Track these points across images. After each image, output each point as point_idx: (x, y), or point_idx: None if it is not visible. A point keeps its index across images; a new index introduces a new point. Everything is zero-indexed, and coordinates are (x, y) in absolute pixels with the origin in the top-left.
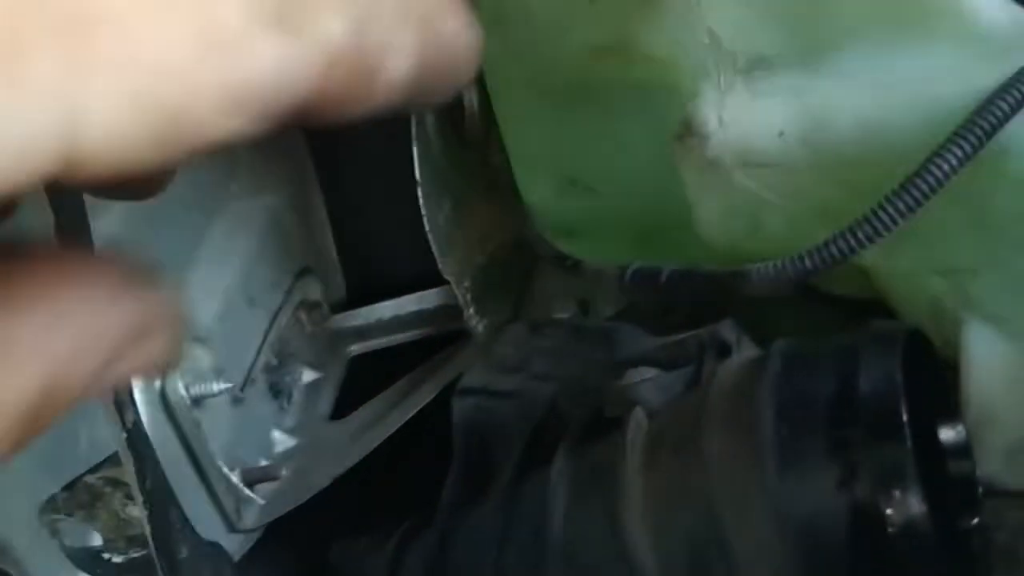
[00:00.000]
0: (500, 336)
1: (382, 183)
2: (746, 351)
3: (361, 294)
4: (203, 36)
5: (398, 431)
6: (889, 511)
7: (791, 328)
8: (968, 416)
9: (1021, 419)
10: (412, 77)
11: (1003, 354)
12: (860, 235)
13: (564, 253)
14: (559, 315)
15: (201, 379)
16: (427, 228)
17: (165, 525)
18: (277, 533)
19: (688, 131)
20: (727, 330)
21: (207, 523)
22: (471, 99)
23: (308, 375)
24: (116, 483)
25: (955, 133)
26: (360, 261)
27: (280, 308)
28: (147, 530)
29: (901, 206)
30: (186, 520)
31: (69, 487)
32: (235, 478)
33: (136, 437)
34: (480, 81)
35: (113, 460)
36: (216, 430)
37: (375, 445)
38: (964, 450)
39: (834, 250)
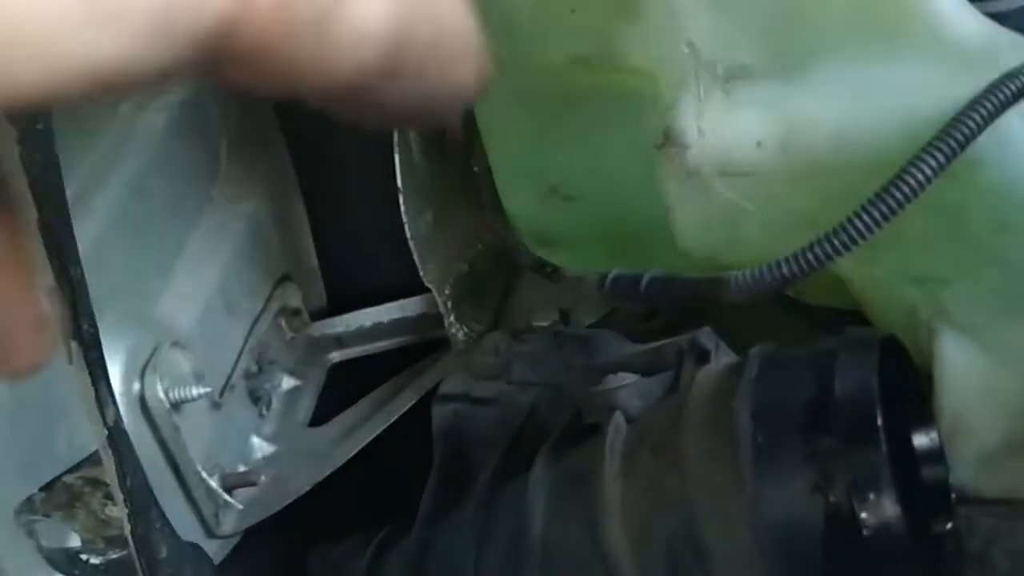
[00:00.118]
0: (480, 343)
1: (363, 191)
2: (724, 358)
3: (341, 302)
4: None
5: (377, 438)
6: (864, 514)
7: (768, 338)
8: (942, 424)
9: (994, 427)
10: (392, 42)
11: (976, 363)
12: (836, 243)
13: (544, 261)
14: (539, 323)
15: (180, 383)
16: (408, 236)
17: (145, 525)
18: (256, 539)
19: (667, 140)
20: (705, 337)
21: (186, 528)
22: None
23: (287, 382)
24: (96, 483)
25: (929, 144)
26: (340, 268)
27: (260, 315)
28: (127, 529)
29: (876, 215)
30: (166, 520)
31: (47, 487)
32: (214, 483)
33: (117, 435)
34: None
35: (93, 460)
36: (195, 435)
37: (354, 452)
38: (938, 456)
39: (811, 257)
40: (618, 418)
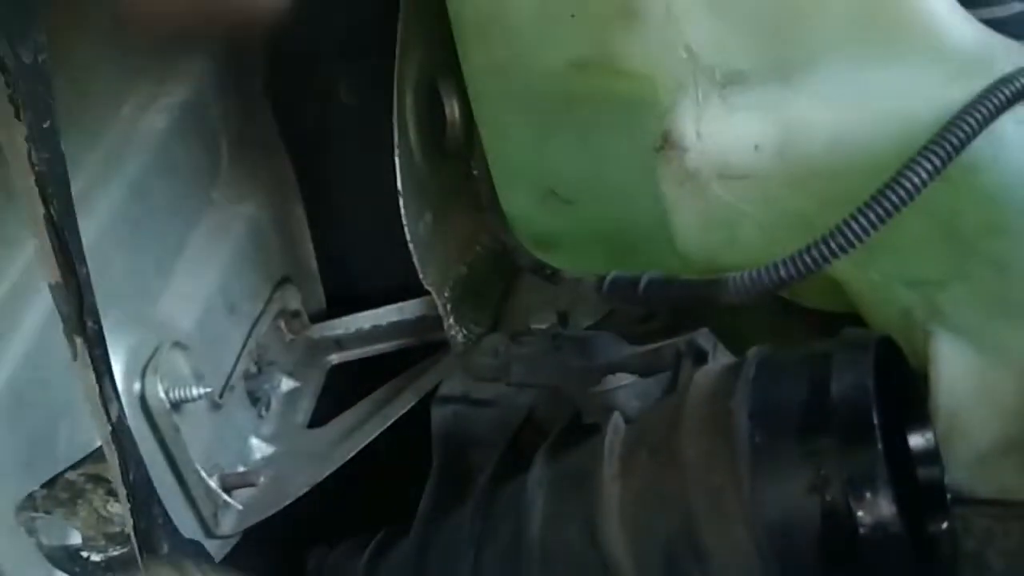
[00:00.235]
0: (479, 345)
1: (363, 194)
2: (722, 359)
3: (341, 304)
4: None
5: (376, 439)
6: (860, 513)
7: (766, 339)
8: (937, 425)
9: (989, 428)
10: None
11: (971, 365)
12: (833, 245)
13: (543, 263)
14: (538, 325)
15: (180, 383)
16: (408, 238)
17: (148, 521)
18: (255, 539)
19: (666, 144)
20: (703, 338)
21: (184, 528)
22: (453, 111)
23: (287, 383)
24: (97, 479)
25: (925, 147)
26: (340, 271)
27: (259, 316)
28: (129, 524)
29: (873, 217)
30: (168, 517)
31: (49, 484)
32: (213, 483)
33: (120, 431)
34: (463, 93)
35: (95, 456)
36: (195, 435)
37: (353, 453)
38: (933, 456)
39: (808, 260)
40: (616, 419)
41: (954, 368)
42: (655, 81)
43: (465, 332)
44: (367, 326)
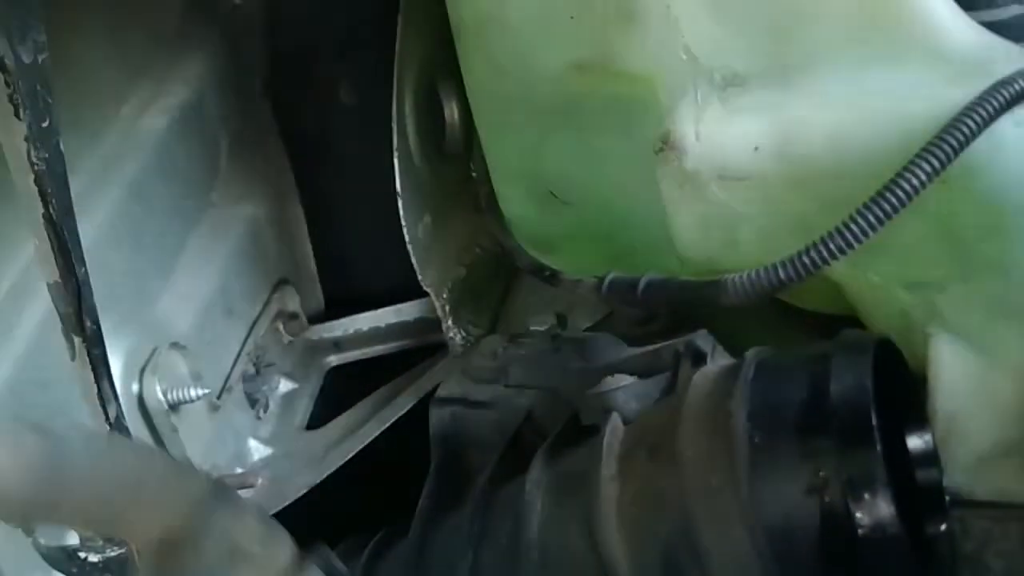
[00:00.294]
0: (478, 347)
1: (362, 195)
2: (720, 360)
3: (339, 306)
4: None
5: (374, 440)
6: (859, 514)
7: (764, 341)
8: (936, 427)
9: (987, 430)
10: None
11: (970, 367)
12: (832, 247)
13: (542, 265)
14: (537, 327)
15: (178, 384)
16: (407, 240)
17: None
18: None
19: (666, 145)
20: (702, 340)
21: None
22: (452, 113)
23: (285, 385)
24: None
25: (923, 149)
26: (339, 273)
27: (258, 318)
28: None
29: (872, 219)
30: None
31: None
32: None
33: (119, 431)
34: (462, 95)
35: None
36: (192, 436)
37: (351, 455)
38: (932, 458)
39: (807, 261)
40: (615, 420)
41: (953, 370)
42: (655, 83)
43: (464, 333)
44: (366, 328)
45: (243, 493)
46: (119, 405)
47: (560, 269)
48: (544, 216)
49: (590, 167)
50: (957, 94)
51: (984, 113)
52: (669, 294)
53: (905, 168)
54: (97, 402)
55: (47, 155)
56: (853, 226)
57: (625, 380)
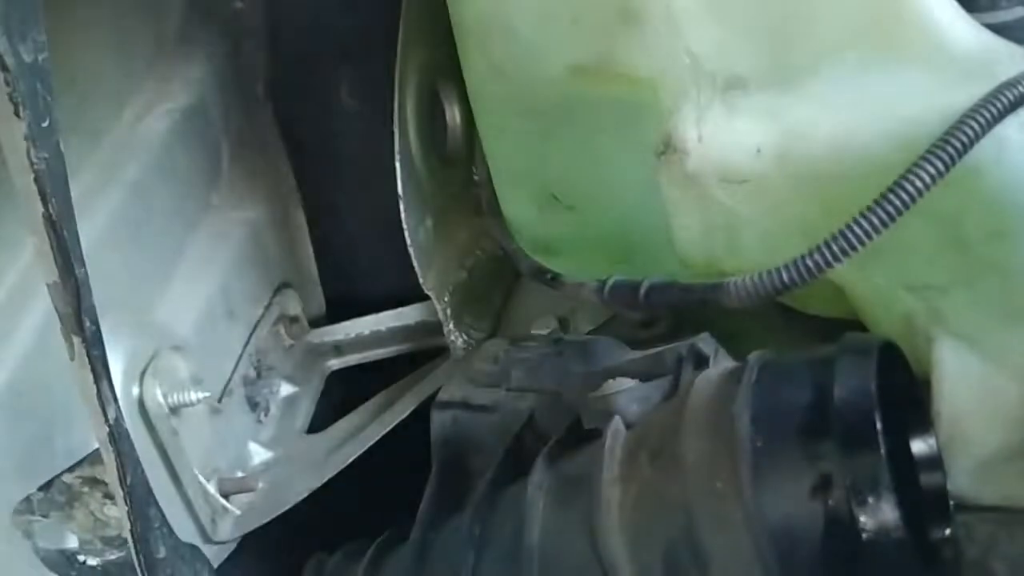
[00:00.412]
0: (479, 351)
1: (363, 199)
2: (723, 363)
3: (340, 309)
4: None
5: (375, 444)
6: (863, 518)
7: (767, 345)
8: (940, 431)
9: (992, 435)
10: None
11: (974, 370)
12: (835, 249)
13: (544, 268)
14: (539, 331)
15: (179, 387)
16: (408, 243)
17: (145, 524)
18: (253, 545)
19: (668, 148)
20: (705, 343)
21: (182, 533)
22: (454, 116)
23: (286, 388)
24: (94, 482)
25: (927, 152)
26: (340, 276)
27: (259, 321)
28: (126, 527)
29: (875, 221)
30: (165, 520)
31: (45, 487)
32: (211, 488)
33: (117, 433)
34: (463, 98)
35: (92, 459)
36: (193, 440)
37: (352, 459)
38: (935, 462)
39: (810, 263)
40: (617, 423)
41: (957, 374)
42: (656, 85)
43: (465, 337)
44: (367, 331)
45: (244, 497)
46: (118, 407)
47: (562, 272)
48: (545, 219)
49: (591, 170)
50: (960, 96)
51: (988, 115)
52: (671, 297)
53: (909, 170)
54: (96, 403)
55: (47, 155)
56: (856, 229)
57: (627, 383)
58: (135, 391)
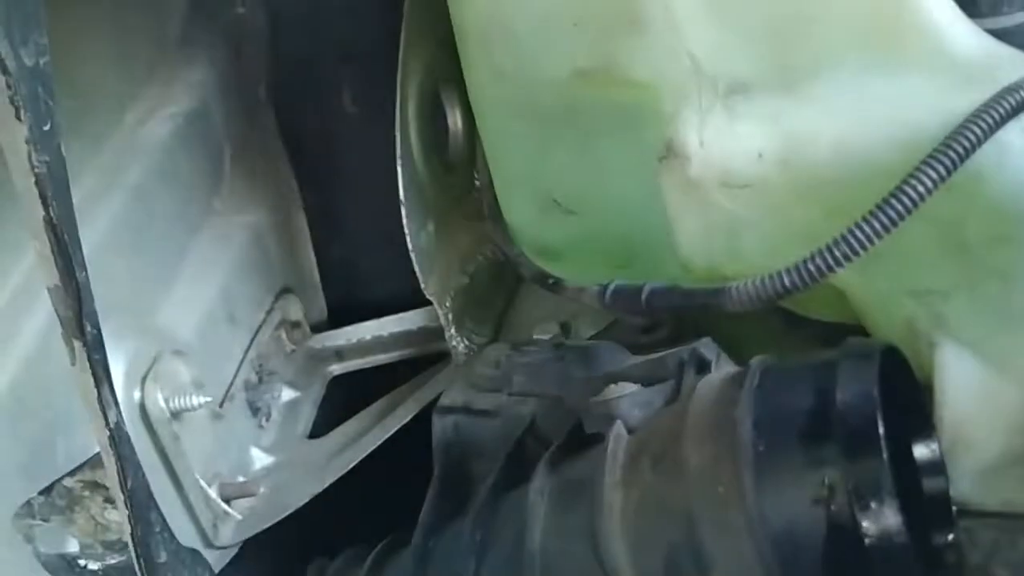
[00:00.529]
0: (481, 355)
1: (365, 204)
2: (725, 367)
3: (342, 314)
4: None
5: (377, 449)
6: (865, 523)
7: (769, 350)
8: (942, 437)
9: (994, 439)
10: None
11: (976, 375)
12: (837, 253)
13: (546, 273)
14: (540, 336)
15: (180, 392)
16: (410, 247)
17: (145, 528)
18: (254, 550)
19: (669, 152)
20: (706, 348)
21: (183, 538)
22: (456, 120)
23: (287, 394)
24: (95, 486)
25: (929, 156)
26: (342, 281)
27: (260, 326)
28: (127, 531)
29: (877, 226)
30: (166, 524)
31: (46, 491)
32: (213, 493)
33: (118, 437)
34: (465, 103)
35: (93, 463)
36: (194, 444)
37: (353, 464)
38: (938, 467)
39: (812, 268)
40: (619, 428)
41: (959, 379)
42: (658, 90)
43: (467, 342)
44: (368, 337)
45: (245, 502)
46: (119, 410)
47: (563, 277)
48: (547, 224)
49: (593, 174)
50: (962, 101)
51: (990, 120)
52: (673, 301)
53: (911, 175)
54: (97, 407)
55: (48, 159)
56: (858, 233)
57: (629, 388)
58: (136, 395)
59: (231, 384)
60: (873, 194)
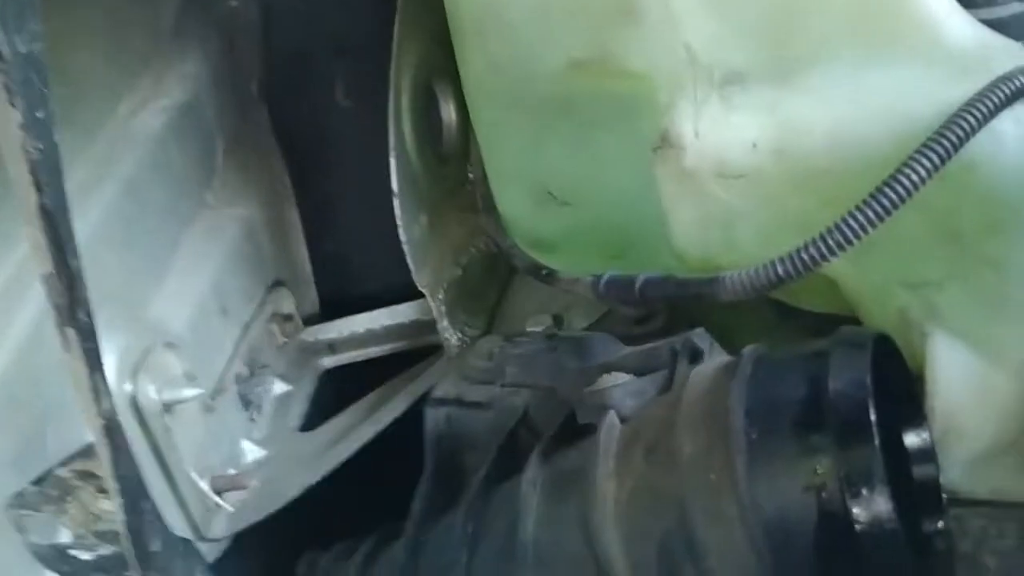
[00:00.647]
0: (473, 347)
1: (357, 197)
2: (717, 357)
3: (334, 307)
4: None
5: (369, 442)
6: (857, 510)
7: (762, 340)
8: (933, 426)
9: (985, 429)
10: None
11: (968, 366)
12: (831, 242)
13: (539, 264)
14: (533, 328)
15: (172, 384)
16: (403, 240)
17: (138, 517)
18: (245, 543)
19: (664, 143)
20: (699, 337)
21: (176, 530)
22: (450, 112)
23: (279, 386)
24: (88, 476)
25: (922, 146)
26: (334, 274)
27: (252, 319)
28: (120, 520)
29: (870, 215)
30: (158, 514)
31: (39, 481)
32: (204, 485)
33: (111, 425)
34: (459, 95)
35: (85, 453)
36: (186, 437)
37: (346, 457)
38: (929, 455)
39: (805, 257)
40: (611, 417)
41: (951, 369)
42: (653, 80)
43: (460, 334)
44: (361, 329)
45: (237, 495)
46: (111, 399)
47: (557, 269)
48: (541, 215)
49: (588, 165)
50: (956, 91)
51: (984, 109)
52: (666, 291)
53: (904, 164)
54: (90, 395)
55: (42, 145)
56: (852, 222)
57: (622, 378)
58: (128, 387)
59: (222, 377)
60: (868, 184)
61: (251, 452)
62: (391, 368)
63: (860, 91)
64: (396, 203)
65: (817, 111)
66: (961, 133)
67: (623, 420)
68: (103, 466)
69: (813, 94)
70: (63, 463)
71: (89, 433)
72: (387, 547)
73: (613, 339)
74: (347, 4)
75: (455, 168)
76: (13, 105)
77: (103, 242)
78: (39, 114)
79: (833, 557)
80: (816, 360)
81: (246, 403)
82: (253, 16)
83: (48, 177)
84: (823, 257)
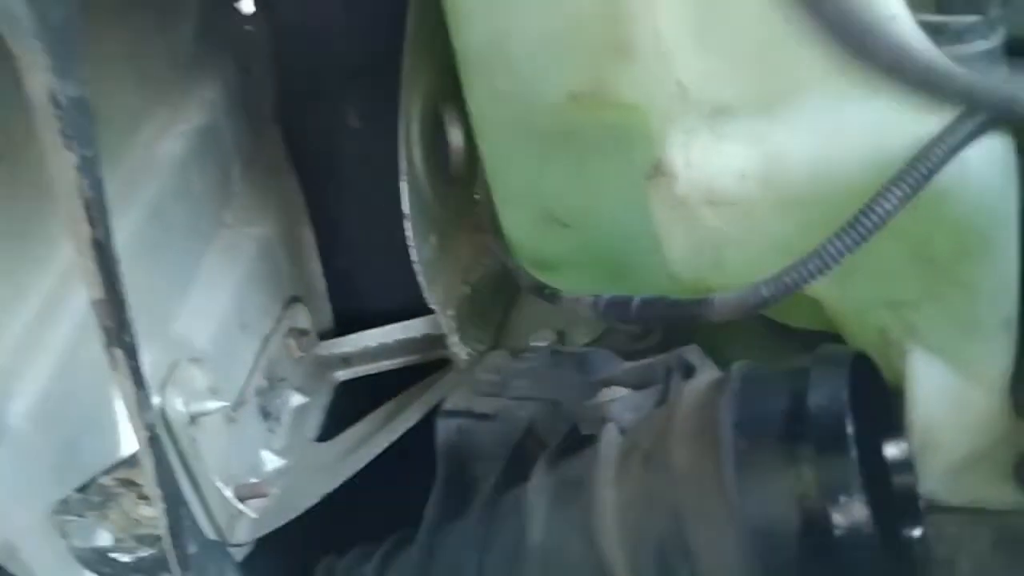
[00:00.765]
0: (482, 362)
1: (369, 217)
2: (709, 373)
3: (348, 323)
4: None
5: (383, 452)
6: (836, 515)
7: (751, 356)
8: (912, 439)
9: (961, 441)
10: None
11: (945, 381)
12: (811, 267)
13: (543, 284)
14: (537, 343)
15: (197, 397)
16: (414, 259)
17: (177, 521)
18: (267, 548)
19: (658, 171)
20: (692, 354)
21: None
22: (458, 139)
23: (296, 399)
24: (129, 484)
25: (895, 176)
26: (348, 291)
27: (270, 334)
28: (162, 524)
29: (848, 241)
30: (194, 519)
31: (83, 488)
32: (228, 493)
33: (152, 436)
34: (465, 122)
35: (127, 462)
36: (211, 447)
37: (361, 466)
38: (907, 464)
39: (788, 281)
40: (611, 429)
41: (929, 384)
42: (647, 113)
43: (468, 349)
44: (374, 344)
45: (258, 502)
46: (152, 412)
47: (559, 288)
48: (544, 237)
49: (587, 191)
50: (930, 125)
51: (952, 142)
52: (660, 311)
53: (878, 194)
54: (136, 409)
55: (92, 184)
56: (831, 248)
57: (621, 392)
58: (156, 401)
59: (244, 389)
60: (847, 212)
61: (271, 461)
62: (403, 381)
63: (839, 124)
64: (408, 225)
65: (800, 143)
66: (931, 165)
67: (622, 431)
68: (146, 474)
69: (796, 127)
70: (106, 472)
71: (132, 443)
72: (401, 551)
73: (613, 355)
74: (358, 31)
75: (463, 191)
76: (69, 149)
77: (131, 264)
78: (88, 153)
79: (815, 559)
80: (798, 376)
81: (265, 415)
82: (268, 42)
83: (98, 213)
84: (804, 280)
